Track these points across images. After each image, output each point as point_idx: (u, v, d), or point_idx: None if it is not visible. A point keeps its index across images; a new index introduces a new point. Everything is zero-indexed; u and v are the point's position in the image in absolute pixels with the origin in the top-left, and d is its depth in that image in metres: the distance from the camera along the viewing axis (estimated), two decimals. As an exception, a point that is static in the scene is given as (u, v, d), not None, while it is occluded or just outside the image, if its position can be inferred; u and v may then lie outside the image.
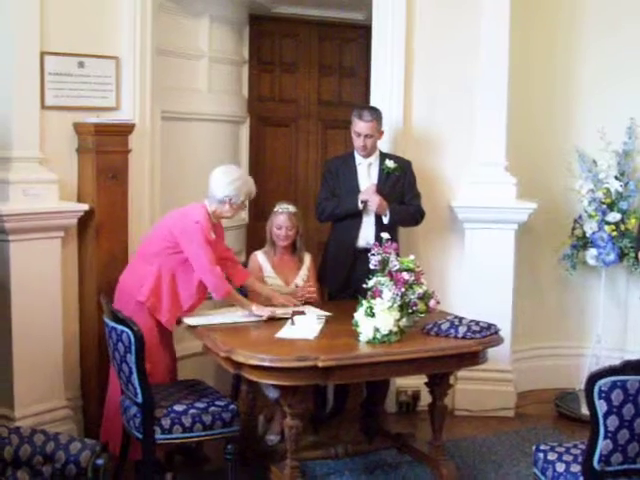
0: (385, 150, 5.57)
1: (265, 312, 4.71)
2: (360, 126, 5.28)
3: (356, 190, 5.35)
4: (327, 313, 4.82)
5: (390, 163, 5.39)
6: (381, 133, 5.40)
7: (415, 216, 5.47)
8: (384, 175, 5.39)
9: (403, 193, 5.44)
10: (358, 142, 5.33)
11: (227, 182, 4.75)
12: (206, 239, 4.63)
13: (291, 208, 5.22)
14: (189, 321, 4.74)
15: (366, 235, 5.34)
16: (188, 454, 4.91)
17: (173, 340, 4.93)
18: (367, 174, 5.41)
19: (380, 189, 5.32)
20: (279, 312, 4.77)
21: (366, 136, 5.30)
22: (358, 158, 5.42)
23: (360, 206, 5.29)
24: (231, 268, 4.97)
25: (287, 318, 4.64)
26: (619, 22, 6.18)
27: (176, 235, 4.66)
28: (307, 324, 4.53)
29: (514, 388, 6.04)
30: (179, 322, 4.78)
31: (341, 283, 5.37)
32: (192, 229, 4.63)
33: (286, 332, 4.44)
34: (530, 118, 6.18)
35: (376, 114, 5.32)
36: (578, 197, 5.97)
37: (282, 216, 5.18)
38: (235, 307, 4.88)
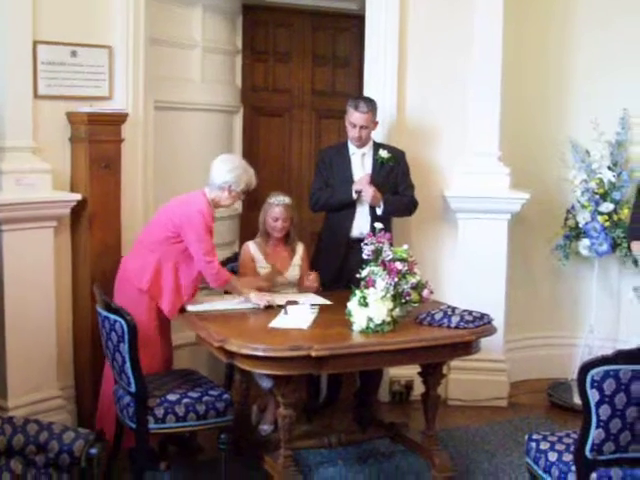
0: (379, 140, 5.57)
1: (262, 301, 4.72)
2: (355, 117, 5.28)
3: (350, 180, 5.36)
4: (327, 302, 4.85)
5: (384, 153, 5.39)
6: (375, 124, 5.40)
7: (409, 207, 5.48)
8: (378, 165, 5.39)
9: (397, 183, 5.44)
10: (353, 133, 5.32)
11: (227, 169, 4.78)
12: (207, 228, 4.66)
13: (287, 200, 5.20)
14: (191, 308, 4.76)
15: (360, 225, 5.34)
16: (182, 444, 4.92)
17: (170, 329, 4.93)
18: (361, 164, 5.42)
19: (374, 179, 5.32)
20: (278, 300, 4.77)
21: (361, 127, 5.30)
22: (352, 148, 5.42)
23: (354, 196, 5.29)
24: None
25: (283, 306, 4.65)
26: (612, 13, 6.18)
27: (177, 224, 4.67)
28: (300, 314, 4.53)
29: (507, 378, 6.06)
30: (181, 311, 4.78)
31: (334, 273, 5.36)
32: (194, 218, 4.64)
33: (279, 322, 4.45)
34: (523, 108, 6.18)
35: (372, 105, 5.32)
36: (571, 187, 5.99)
37: (278, 208, 5.16)
38: (232, 294, 4.91)
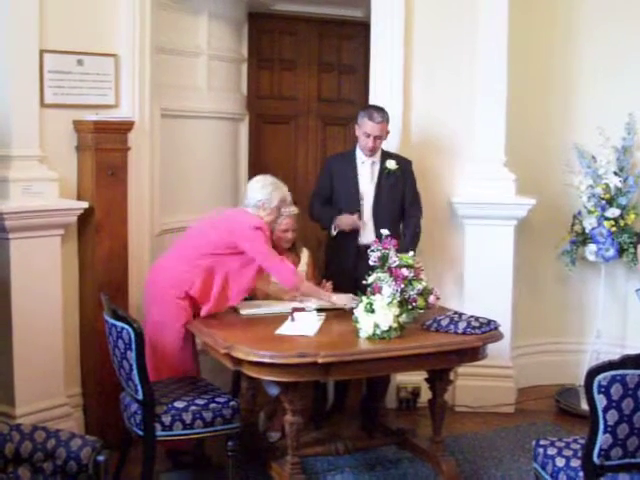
0: (385, 147, 5.57)
1: (347, 300, 4.79)
2: (370, 127, 5.26)
3: (354, 189, 5.37)
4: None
5: (391, 164, 5.39)
6: (387, 133, 5.40)
7: (418, 233, 5.45)
8: (385, 175, 5.39)
9: (403, 194, 5.43)
10: (367, 143, 5.31)
11: (258, 188, 4.89)
12: (267, 240, 4.75)
13: (296, 210, 5.25)
14: (244, 312, 4.82)
15: (367, 233, 5.34)
16: (189, 453, 4.91)
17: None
18: (370, 173, 5.41)
19: (380, 189, 5.35)
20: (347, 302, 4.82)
21: (376, 137, 5.29)
22: (361, 156, 5.42)
23: (333, 233, 5.32)
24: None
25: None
26: (617, 17, 6.19)
27: (237, 242, 4.71)
28: (307, 321, 4.53)
29: (514, 384, 6.06)
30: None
31: (347, 280, 5.31)
32: (255, 236, 4.70)
33: (286, 329, 4.45)
34: (529, 114, 6.19)
35: (386, 115, 5.31)
36: (577, 193, 5.98)
37: (287, 219, 5.20)
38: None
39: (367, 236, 5.31)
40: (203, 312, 4.74)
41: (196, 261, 4.73)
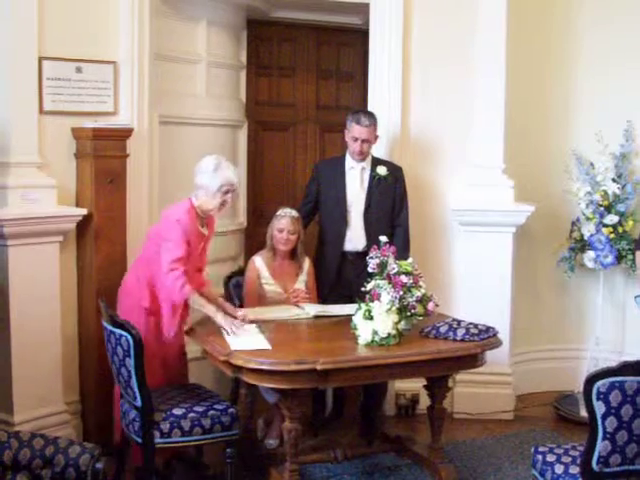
0: (382, 154, 5.58)
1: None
2: (357, 130, 5.29)
3: (341, 195, 5.40)
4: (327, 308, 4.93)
5: (382, 171, 5.40)
6: (376, 137, 5.41)
7: (407, 244, 5.45)
8: (375, 181, 5.40)
9: (393, 202, 5.44)
10: (355, 147, 5.33)
11: (198, 171, 4.71)
12: (184, 237, 4.52)
13: (293, 212, 5.23)
14: (251, 317, 4.77)
15: (353, 239, 5.39)
16: (188, 461, 4.90)
17: (183, 342, 4.88)
18: (360, 179, 5.42)
19: (370, 195, 5.37)
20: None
21: (363, 141, 5.31)
22: (350, 162, 5.43)
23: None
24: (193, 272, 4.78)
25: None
26: (616, 24, 6.20)
27: (160, 235, 4.62)
28: (249, 334, 4.45)
29: (513, 391, 6.05)
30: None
31: (331, 285, 5.38)
32: (171, 227, 4.55)
33: (239, 343, 4.31)
34: (527, 121, 6.20)
35: (373, 118, 5.33)
36: (576, 200, 5.98)
37: (284, 219, 5.18)
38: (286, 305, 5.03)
39: (355, 243, 5.34)
40: (165, 332, 4.65)
41: (140, 270, 4.69)
